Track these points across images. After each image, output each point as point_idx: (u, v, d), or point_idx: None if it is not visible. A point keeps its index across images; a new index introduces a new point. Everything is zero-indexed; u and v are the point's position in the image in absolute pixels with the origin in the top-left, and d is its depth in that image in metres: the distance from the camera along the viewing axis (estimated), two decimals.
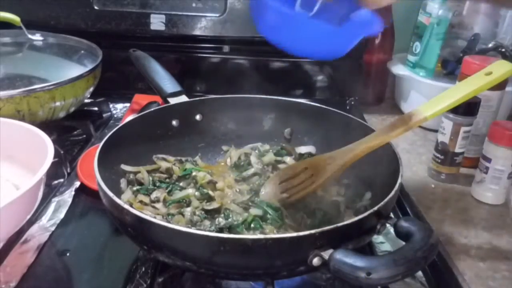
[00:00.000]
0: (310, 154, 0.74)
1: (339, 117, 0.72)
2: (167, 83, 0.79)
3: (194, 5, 1.00)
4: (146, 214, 0.56)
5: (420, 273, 0.59)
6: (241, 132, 0.78)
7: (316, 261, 0.44)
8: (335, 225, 0.45)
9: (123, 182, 0.64)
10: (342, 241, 0.46)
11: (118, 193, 0.62)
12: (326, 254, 0.44)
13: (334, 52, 0.56)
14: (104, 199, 0.52)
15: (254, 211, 0.61)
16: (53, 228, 0.64)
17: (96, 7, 1.00)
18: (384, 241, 0.64)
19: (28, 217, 0.59)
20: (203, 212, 0.60)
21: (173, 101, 0.76)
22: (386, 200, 0.50)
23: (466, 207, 0.72)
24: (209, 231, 0.55)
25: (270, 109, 0.77)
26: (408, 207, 0.72)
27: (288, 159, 0.73)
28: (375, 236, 0.64)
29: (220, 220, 0.59)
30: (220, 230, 0.57)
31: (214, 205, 0.61)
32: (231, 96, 0.78)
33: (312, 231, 0.44)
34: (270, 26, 0.52)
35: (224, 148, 0.77)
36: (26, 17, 0.96)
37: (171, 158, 0.71)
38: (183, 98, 0.77)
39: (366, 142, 0.59)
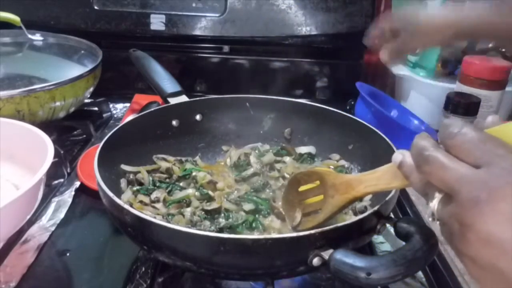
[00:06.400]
0: (310, 154, 0.74)
1: (339, 117, 0.72)
2: (167, 83, 0.79)
3: (194, 5, 1.00)
4: (146, 214, 0.56)
5: (420, 273, 0.59)
6: (241, 132, 0.77)
7: (316, 261, 0.44)
8: (335, 225, 0.45)
9: (123, 182, 0.64)
10: (342, 241, 0.46)
11: (118, 193, 0.61)
12: (326, 254, 0.44)
13: None
14: (104, 199, 0.52)
15: (247, 206, 0.61)
16: (53, 228, 0.64)
17: (96, 7, 1.00)
18: (384, 241, 0.64)
19: (28, 217, 0.59)
20: (203, 212, 0.60)
21: (173, 101, 0.75)
22: (386, 200, 0.50)
23: None
24: (210, 231, 0.55)
25: (270, 109, 0.77)
26: (408, 207, 0.72)
27: (288, 159, 0.73)
28: (375, 236, 0.64)
29: (221, 220, 0.59)
30: (220, 230, 0.57)
31: (214, 205, 0.61)
32: (231, 96, 0.78)
33: (312, 231, 0.44)
34: None
35: (224, 148, 0.77)
36: (26, 17, 0.96)
37: (171, 158, 0.71)
38: (183, 98, 0.76)
39: (367, 187, 0.47)
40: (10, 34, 0.98)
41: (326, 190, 0.52)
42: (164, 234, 0.46)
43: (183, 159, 0.71)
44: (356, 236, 0.48)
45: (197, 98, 0.77)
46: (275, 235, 0.51)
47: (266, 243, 0.43)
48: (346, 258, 0.42)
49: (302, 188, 0.57)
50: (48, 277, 0.56)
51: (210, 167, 0.73)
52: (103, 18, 1.01)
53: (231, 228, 0.57)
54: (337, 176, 0.53)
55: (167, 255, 0.48)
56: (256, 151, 0.74)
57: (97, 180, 0.52)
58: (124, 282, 0.55)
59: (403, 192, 0.75)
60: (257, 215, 0.60)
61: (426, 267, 0.61)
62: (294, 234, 0.44)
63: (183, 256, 0.47)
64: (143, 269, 0.57)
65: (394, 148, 0.61)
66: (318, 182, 0.55)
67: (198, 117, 0.76)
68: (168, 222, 0.57)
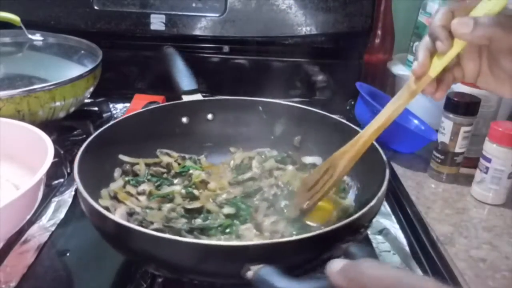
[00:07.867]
0: (314, 166, 0.71)
1: (354, 132, 0.68)
2: (185, 80, 0.80)
3: (194, 5, 1.00)
4: (127, 205, 0.58)
5: (420, 273, 0.59)
6: (251, 136, 0.76)
7: (248, 274, 0.42)
8: (270, 241, 0.46)
9: (117, 172, 0.65)
10: (279, 258, 0.43)
11: (109, 181, 0.63)
12: (255, 269, 0.42)
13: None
14: (81, 201, 0.52)
15: (227, 210, 0.60)
16: (53, 228, 0.63)
17: (96, 7, 1.00)
18: (384, 241, 0.64)
19: (28, 217, 0.59)
20: (182, 210, 0.60)
21: (186, 98, 0.76)
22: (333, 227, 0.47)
23: (466, 207, 0.72)
24: (181, 229, 0.55)
25: (283, 114, 0.75)
26: (408, 207, 0.72)
27: (290, 168, 0.71)
28: (375, 236, 0.64)
29: (197, 221, 0.58)
30: (191, 230, 0.56)
31: (196, 204, 0.61)
32: (244, 98, 0.77)
33: (245, 243, 0.45)
34: None
35: (232, 149, 0.76)
36: (26, 17, 0.96)
37: (175, 154, 0.71)
38: (198, 97, 0.77)
39: (373, 125, 0.54)
40: (10, 34, 0.97)
41: (334, 163, 0.56)
42: (141, 240, 0.46)
43: (187, 156, 0.71)
44: (291, 255, 0.45)
45: (209, 98, 0.78)
46: (213, 242, 0.50)
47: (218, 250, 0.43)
48: (268, 276, 0.40)
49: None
50: (48, 277, 0.56)
51: (213, 167, 0.72)
52: (103, 18, 1.00)
53: (204, 230, 0.56)
54: (344, 147, 0.56)
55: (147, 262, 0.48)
56: (263, 156, 0.73)
57: (75, 178, 0.53)
58: (124, 282, 0.55)
59: (403, 192, 0.75)
60: (235, 220, 0.59)
61: (426, 266, 0.61)
62: (235, 243, 0.46)
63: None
64: (143, 269, 0.57)
65: (384, 156, 0.59)
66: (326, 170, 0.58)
67: (209, 116, 0.76)
68: (145, 214, 0.58)
